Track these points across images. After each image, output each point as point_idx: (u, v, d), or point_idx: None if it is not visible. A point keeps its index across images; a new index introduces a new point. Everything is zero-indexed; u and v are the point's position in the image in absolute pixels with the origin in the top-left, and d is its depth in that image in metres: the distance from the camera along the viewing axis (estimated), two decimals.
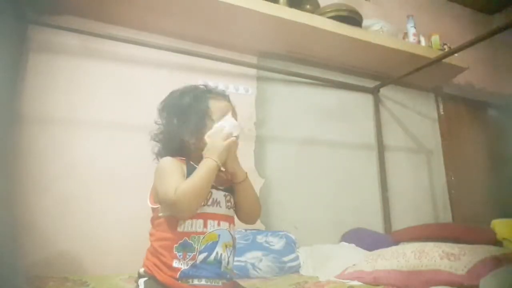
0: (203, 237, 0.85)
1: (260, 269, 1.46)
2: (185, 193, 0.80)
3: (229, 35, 1.84)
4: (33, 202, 1.39)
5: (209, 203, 0.88)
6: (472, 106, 2.84)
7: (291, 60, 2.08)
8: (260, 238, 1.56)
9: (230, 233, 0.91)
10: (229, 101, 1.02)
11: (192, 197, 0.81)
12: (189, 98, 0.96)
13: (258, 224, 1.73)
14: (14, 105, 1.44)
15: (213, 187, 0.89)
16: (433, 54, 2.07)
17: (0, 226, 1.24)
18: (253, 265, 1.45)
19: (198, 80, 1.81)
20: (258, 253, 1.49)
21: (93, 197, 1.48)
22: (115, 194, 1.51)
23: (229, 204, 0.93)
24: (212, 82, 1.85)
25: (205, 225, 0.86)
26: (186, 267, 0.82)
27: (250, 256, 1.47)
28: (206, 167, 0.85)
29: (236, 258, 1.40)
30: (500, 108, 2.94)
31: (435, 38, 2.31)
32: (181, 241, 0.83)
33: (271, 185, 1.86)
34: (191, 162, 0.92)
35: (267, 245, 1.54)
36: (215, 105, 0.96)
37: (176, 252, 0.83)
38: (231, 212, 0.94)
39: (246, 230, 1.59)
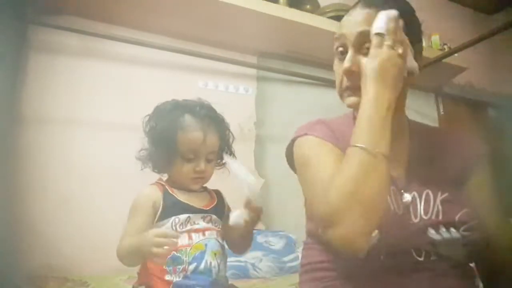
0: (190, 248, 0.85)
1: (260, 269, 1.46)
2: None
3: (229, 35, 1.84)
4: (33, 202, 1.39)
5: (187, 225, 0.87)
6: (472, 106, 2.84)
7: (291, 60, 2.08)
8: (260, 238, 1.56)
9: (218, 241, 0.90)
10: (204, 126, 0.91)
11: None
12: (163, 125, 0.91)
13: (258, 224, 1.73)
14: (14, 105, 1.44)
15: (190, 210, 0.88)
16: (433, 54, 2.07)
17: (0, 226, 1.24)
18: (253, 265, 1.45)
19: (198, 80, 1.82)
20: (258, 253, 1.49)
21: (93, 197, 1.48)
22: (115, 194, 1.51)
23: (210, 223, 0.91)
24: (212, 82, 1.86)
25: (189, 238, 0.86)
26: (178, 279, 0.82)
27: (250, 256, 1.47)
28: None
29: (236, 258, 1.41)
30: (500, 108, 2.94)
31: (435, 38, 2.31)
32: (169, 256, 0.83)
33: (271, 185, 1.86)
34: (170, 190, 0.90)
35: (267, 245, 1.55)
36: (182, 139, 0.89)
37: (166, 267, 0.83)
38: (215, 226, 0.92)
39: None
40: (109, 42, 1.61)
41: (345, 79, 0.70)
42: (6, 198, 1.30)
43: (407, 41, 0.65)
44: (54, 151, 1.47)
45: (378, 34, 0.62)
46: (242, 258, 1.44)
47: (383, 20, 0.62)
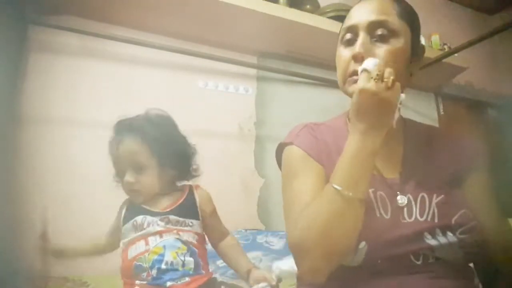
0: (149, 254, 0.87)
1: (260, 269, 1.46)
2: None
3: (229, 35, 1.84)
4: (33, 202, 1.39)
5: (144, 226, 0.91)
6: (472, 106, 2.84)
7: (291, 60, 2.08)
8: (260, 238, 1.56)
9: (181, 240, 0.90)
10: (118, 138, 1.01)
11: None
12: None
13: (258, 224, 1.73)
14: (14, 105, 1.44)
15: (147, 213, 0.92)
16: (433, 54, 2.07)
17: (0, 226, 1.24)
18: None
19: (198, 80, 1.82)
20: (258, 253, 1.49)
21: (93, 197, 1.48)
22: (115, 194, 1.50)
23: (169, 224, 0.92)
24: (212, 82, 1.86)
25: (146, 243, 0.88)
26: (146, 282, 0.86)
27: (250, 256, 1.46)
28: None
29: None
30: (500, 108, 2.94)
31: (435, 38, 2.31)
32: (132, 267, 0.88)
33: (271, 185, 1.86)
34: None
35: (267, 245, 1.54)
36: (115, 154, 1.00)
37: (133, 279, 0.88)
38: (175, 226, 0.93)
39: (246, 230, 1.59)
40: (109, 42, 1.61)
41: (352, 63, 0.70)
42: (6, 198, 1.30)
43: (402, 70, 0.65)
44: (54, 151, 1.47)
45: (365, 70, 0.61)
46: None
47: (373, 60, 0.63)
